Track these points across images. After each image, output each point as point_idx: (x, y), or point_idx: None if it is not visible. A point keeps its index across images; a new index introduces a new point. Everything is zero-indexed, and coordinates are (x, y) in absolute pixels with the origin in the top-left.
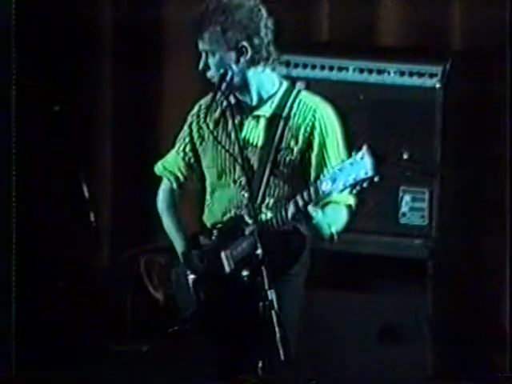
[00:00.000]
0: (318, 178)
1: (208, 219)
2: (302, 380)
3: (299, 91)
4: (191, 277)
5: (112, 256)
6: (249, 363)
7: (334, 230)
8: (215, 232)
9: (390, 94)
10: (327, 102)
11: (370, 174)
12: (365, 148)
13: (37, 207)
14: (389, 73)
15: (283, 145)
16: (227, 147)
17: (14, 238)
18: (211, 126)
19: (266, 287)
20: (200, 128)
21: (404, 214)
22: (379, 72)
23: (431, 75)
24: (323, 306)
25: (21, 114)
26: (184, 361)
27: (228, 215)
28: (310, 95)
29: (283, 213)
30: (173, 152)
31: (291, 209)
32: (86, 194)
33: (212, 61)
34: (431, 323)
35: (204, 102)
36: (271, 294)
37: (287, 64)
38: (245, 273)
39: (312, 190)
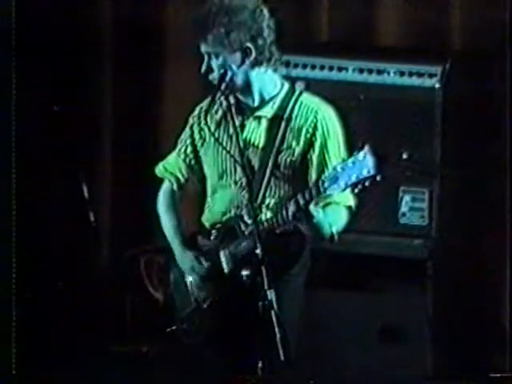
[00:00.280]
0: (319, 178)
1: (208, 220)
2: (302, 380)
3: (301, 92)
4: (190, 277)
5: (112, 256)
6: (249, 363)
7: (334, 229)
8: (214, 232)
9: (390, 94)
10: (328, 103)
11: (372, 172)
12: (367, 147)
13: (37, 207)
14: (389, 73)
15: (284, 146)
16: (228, 148)
17: (13, 237)
18: (212, 128)
19: (266, 287)
20: (201, 129)
21: (404, 214)
22: (379, 72)
23: (431, 75)
24: (323, 306)
25: (21, 113)
26: (184, 361)
27: (228, 215)
28: (312, 97)
29: (284, 212)
30: (174, 153)
31: (292, 207)
32: (86, 194)
33: (215, 63)
34: (431, 323)
35: (205, 103)
36: (271, 294)
37: (287, 64)
38: (244, 273)
39: (313, 189)
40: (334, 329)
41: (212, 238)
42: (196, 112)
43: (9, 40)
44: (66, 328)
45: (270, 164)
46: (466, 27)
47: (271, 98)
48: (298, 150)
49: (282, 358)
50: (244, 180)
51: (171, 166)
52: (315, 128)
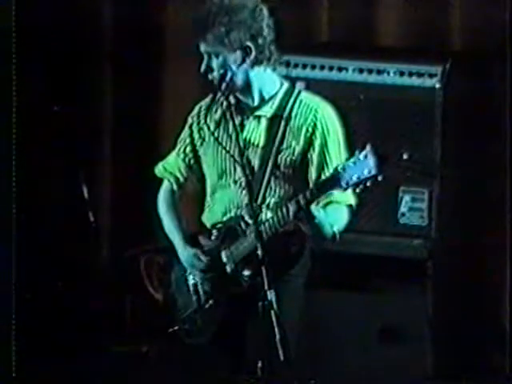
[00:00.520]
0: (319, 177)
1: (208, 220)
2: (302, 380)
3: (300, 92)
4: (191, 277)
5: (112, 256)
6: (249, 363)
7: (335, 229)
8: (215, 232)
9: (390, 94)
10: (328, 102)
11: (373, 172)
12: (368, 147)
13: (37, 207)
14: (389, 73)
15: (284, 145)
16: (228, 148)
17: (13, 237)
18: (212, 127)
19: (266, 287)
20: (200, 129)
21: (404, 214)
22: (379, 72)
23: (431, 75)
24: (324, 307)
25: (21, 113)
26: (184, 361)
27: (228, 215)
28: (311, 96)
29: (284, 211)
30: (173, 153)
31: (293, 207)
32: (86, 194)
33: (215, 62)
34: (431, 323)
35: (204, 103)
36: (271, 295)
37: (287, 64)
38: (246, 273)
39: (314, 188)
40: (334, 329)
41: (213, 238)
42: (195, 111)
43: (9, 40)
44: (66, 328)
45: (270, 163)
46: (466, 27)
47: (271, 98)
48: (297, 150)
49: (282, 358)
50: (244, 180)
51: (171, 166)
52: (315, 127)
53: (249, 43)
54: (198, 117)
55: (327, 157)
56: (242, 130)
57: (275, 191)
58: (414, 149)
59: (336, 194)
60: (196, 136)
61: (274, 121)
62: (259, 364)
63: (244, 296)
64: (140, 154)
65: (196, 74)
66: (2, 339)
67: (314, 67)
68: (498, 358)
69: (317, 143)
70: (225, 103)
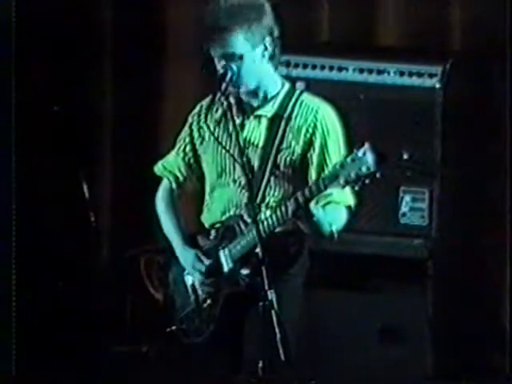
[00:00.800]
0: (319, 176)
1: (207, 219)
2: (302, 380)
3: (301, 92)
4: (190, 276)
5: (112, 256)
6: (249, 363)
7: (334, 228)
8: (214, 231)
9: (390, 94)
10: (328, 102)
11: (371, 169)
12: (366, 144)
13: (37, 207)
14: (389, 73)
15: (284, 145)
16: (228, 147)
17: (13, 237)
18: (212, 126)
19: (266, 287)
20: (200, 128)
21: (404, 214)
22: (379, 72)
23: (431, 75)
24: (324, 307)
25: (21, 113)
26: (184, 361)
27: (227, 214)
28: (312, 96)
29: (283, 210)
30: (173, 152)
31: (292, 205)
32: (86, 194)
33: (234, 63)
34: (431, 323)
35: (205, 102)
36: (271, 295)
37: (287, 64)
38: (244, 272)
39: (313, 186)
40: (334, 329)
41: (211, 237)
42: (196, 110)
43: (9, 40)
44: (65, 328)
45: (270, 163)
46: (466, 27)
47: (272, 98)
48: (297, 150)
49: (282, 358)
50: (243, 179)
51: (170, 165)
52: (315, 127)
53: (267, 39)
54: (199, 116)
55: (327, 157)
56: (242, 130)
57: (275, 191)
58: (414, 149)
59: (335, 194)
60: (196, 135)
61: (275, 121)
62: (260, 364)
63: (243, 295)
64: (140, 153)
65: (196, 74)
66: (2, 339)
67: (314, 67)
68: (497, 357)
69: (317, 143)
70: (225, 102)
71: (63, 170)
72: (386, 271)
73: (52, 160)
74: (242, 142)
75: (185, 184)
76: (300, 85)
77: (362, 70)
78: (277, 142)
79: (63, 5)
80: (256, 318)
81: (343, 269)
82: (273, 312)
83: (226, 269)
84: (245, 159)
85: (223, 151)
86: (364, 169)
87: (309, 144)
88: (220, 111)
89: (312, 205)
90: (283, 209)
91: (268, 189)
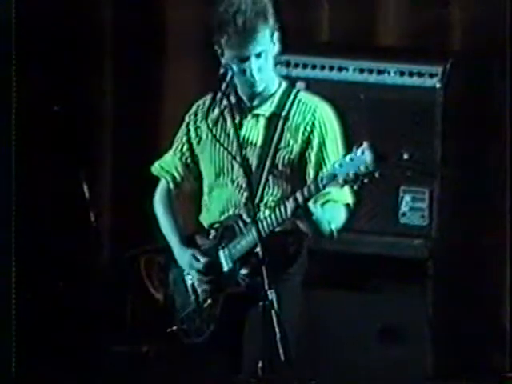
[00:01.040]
0: (317, 175)
1: (206, 219)
2: (302, 380)
3: (298, 91)
4: (189, 276)
5: (112, 256)
6: (249, 363)
7: (333, 227)
8: (213, 231)
9: (391, 94)
10: (326, 101)
11: (370, 169)
12: (365, 144)
13: (37, 207)
14: (389, 73)
15: (282, 144)
16: (226, 146)
17: (13, 238)
18: (210, 126)
19: (266, 287)
20: (198, 127)
21: (404, 214)
22: (379, 72)
23: (431, 75)
24: (324, 307)
25: (21, 113)
26: (184, 361)
27: (226, 214)
28: (310, 95)
29: (282, 209)
30: (170, 152)
31: (291, 205)
32: (86, 194)
33: (259, 62)
34: (431, 323)
35: (202, 101)
36: (271, 295)
37: (287, 64)
38: (244, 272)
39: (312, 185)
40: (334, 329)
41: (210, 237)
42: (193, 110)
43: (9, 39)
44: (65, 328)
45: (268, 162)
46: (466, 27)
47: (269, 96)
48: (296, 149)
49: (282, 357)
50: (241, 178)
51: (167, 165)
52: (313, 126)
53: (276, 34)
54: (196, 115)
55: (325, 156)
56: (240, 129)
57: (273, 190)
58: (414, 149)
59: (333, 192)
60: (193, 135)
61: (273, 119)
62: (260, 364)
63: (243, 295)
64: (140, 153)
65: (196, 74)
66: (2, 339)
67: (314, 67)
68: (497, 357)
69: (315, 142)
70: (224, 102)
71: (63, 170)
72: (386, 271)
73: (52, 160)
74: (240, 142)
75: (182, 184)
76: (300, 85)
77: (362, 70)
78: (275, 141)
79: (63, 5)
80: (256, 318)
81: (343, 268)
82: (273, 312)
83: (225, 269)
84: (243, 158)
85: (221, 151)
86: (363, 168)
87: (307, 143)
88: (217, 110)
89: (311, 204)
90: (282, 208)
91: (267, 188)
